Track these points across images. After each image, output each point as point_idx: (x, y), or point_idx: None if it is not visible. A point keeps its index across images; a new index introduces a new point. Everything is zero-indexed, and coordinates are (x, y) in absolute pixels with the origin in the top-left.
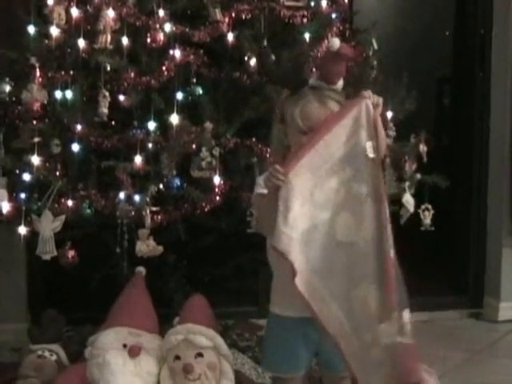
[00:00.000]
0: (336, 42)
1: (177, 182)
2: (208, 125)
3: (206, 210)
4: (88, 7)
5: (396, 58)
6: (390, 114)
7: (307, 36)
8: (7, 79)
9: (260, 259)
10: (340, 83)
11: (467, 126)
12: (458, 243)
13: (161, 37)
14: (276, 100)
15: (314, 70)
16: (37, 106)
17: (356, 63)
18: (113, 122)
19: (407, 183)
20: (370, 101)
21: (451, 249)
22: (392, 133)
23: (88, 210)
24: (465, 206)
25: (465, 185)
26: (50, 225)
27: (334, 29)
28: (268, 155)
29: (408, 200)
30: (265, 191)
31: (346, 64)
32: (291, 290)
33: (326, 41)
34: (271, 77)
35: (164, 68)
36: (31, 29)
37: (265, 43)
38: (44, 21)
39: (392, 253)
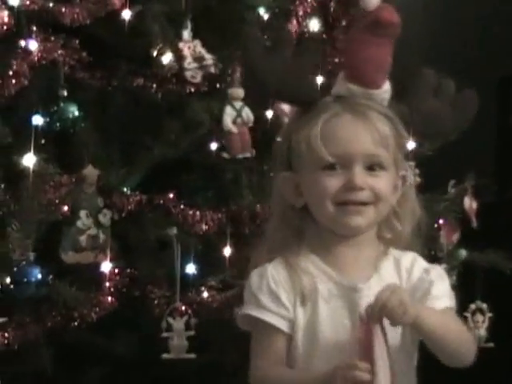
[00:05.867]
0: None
1: (36, 272)
2: (90, 171)
3: (91, 320)
4: None
5: (428, 47)
6: (411, 146)
7: (263, 13)
8: None
9: None
10: (386, 87)
11: None
12: None
13: (3, 17)
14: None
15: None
16: None
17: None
18: None
19: (443, 266)
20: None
21: None
22: (415, 179)
23: None
24: None
25: None
26: None
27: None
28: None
29: None
30: (271, 320)
31: (391, 44)
32: None
33: (294, 20)
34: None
35: (10, 72)
36: None
37: (188, 26)
38: None
39: None
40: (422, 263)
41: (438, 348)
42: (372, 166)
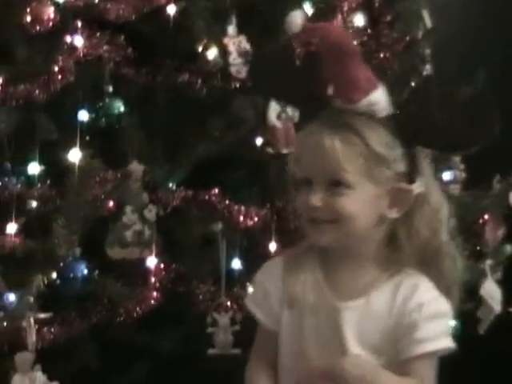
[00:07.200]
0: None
1: (82, 268)
2: (135, 166)
3: (136, 316)
4: None
5: (469, 45)
6: None
7: (308, 8)
8: None
9: None
10: (369, 101)
11: None
12: None
13: (49, 13)
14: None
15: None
16: None
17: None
18: None
19: (488, 262)
20: None
21: None
22: (460, 174)
23: None
24: None
25: None
26: None
27: None
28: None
29: (491, 291)
30: None
31: (350, 60)
32: None
33: (339, 16)
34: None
35: (56, 68)
36: None
37: (233, 22)
38: None
39: None
40: (421, 293)
41: None
42: (336, 184)
